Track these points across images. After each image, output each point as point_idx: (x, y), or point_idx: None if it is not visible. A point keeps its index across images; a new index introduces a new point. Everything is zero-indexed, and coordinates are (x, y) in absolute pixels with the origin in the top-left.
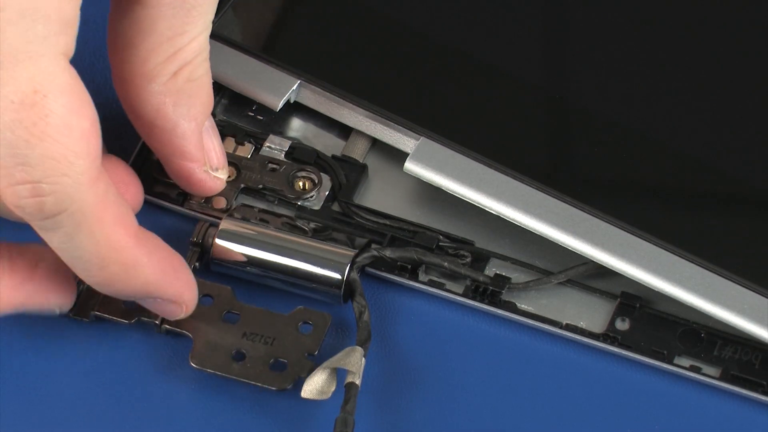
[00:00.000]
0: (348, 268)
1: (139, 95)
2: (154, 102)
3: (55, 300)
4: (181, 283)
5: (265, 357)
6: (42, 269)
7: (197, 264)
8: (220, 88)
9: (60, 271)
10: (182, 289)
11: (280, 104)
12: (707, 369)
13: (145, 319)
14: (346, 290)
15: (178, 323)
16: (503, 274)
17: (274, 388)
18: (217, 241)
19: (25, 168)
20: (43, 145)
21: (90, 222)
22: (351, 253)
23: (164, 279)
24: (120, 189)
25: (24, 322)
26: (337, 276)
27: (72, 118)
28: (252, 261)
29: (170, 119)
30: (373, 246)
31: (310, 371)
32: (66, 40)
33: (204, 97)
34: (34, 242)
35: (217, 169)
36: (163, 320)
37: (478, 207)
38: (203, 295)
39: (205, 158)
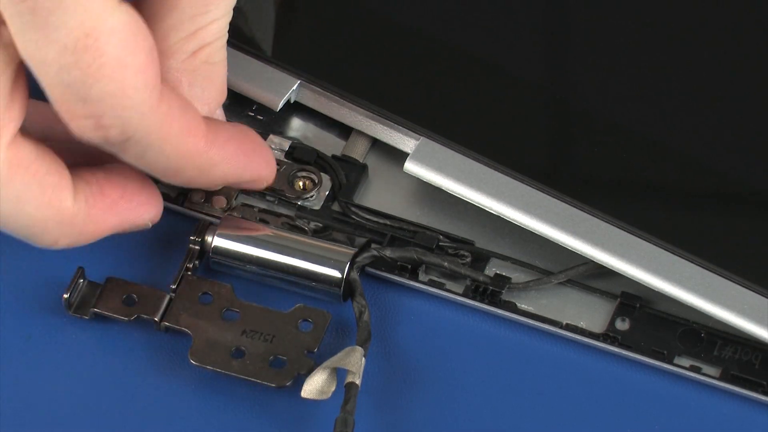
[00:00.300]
0: (348, 266)
1: None
2: (170, 79)
3: (147, 214)
4: (258, 163)
5: (265, 354)
6: (131, 187)
7: (197, 262)
8: None
9: (147, 185)
10: (259, 168)
11: (280, 104)
12: (707, 369)
13: (145, 316)
14: (346, 289)
15: (177, 321)
16: (503, 274)
17: (273, 385)
18: (217, 239)
19: (87, 105)
20: (100, 85)
21: (157, 142)
22: (351, 251)
23: (240, 167)
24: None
25: (24, 320)
26: (337, 274)
27: (126, 56)
28: (251, 259)
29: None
30: (373, 246)
31: (309, 369)
32: None
33: (218, 84)
34: (118, 164)
35: None
36: (163, 318)
37: (478, 207)
38: (202, 293)
39: None
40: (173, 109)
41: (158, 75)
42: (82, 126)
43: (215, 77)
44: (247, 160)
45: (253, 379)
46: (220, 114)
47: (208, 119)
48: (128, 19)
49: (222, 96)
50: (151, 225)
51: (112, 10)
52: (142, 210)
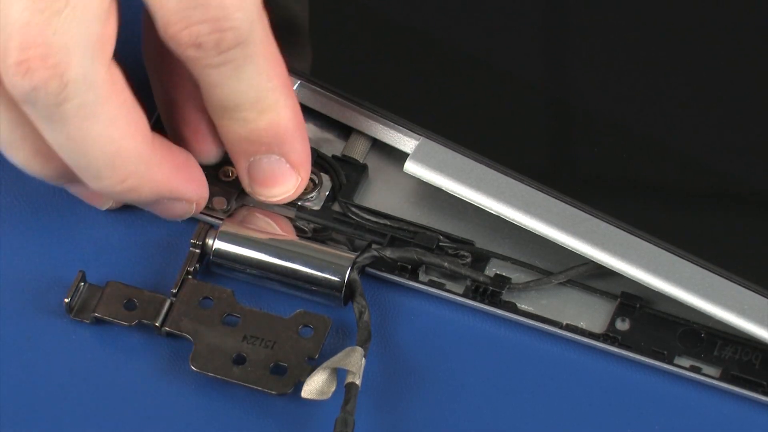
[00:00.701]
0: (348, 271)
1: None
2: None
3: (198, 191)
4: (306, 151)
5: (266, 361)
6: (192, 163)
7: (197, 265)
8: None
9: (200, 169)
10: (306, 157)
11: None
12: (707, 369)
13: (146, 321)
14: (347, 293)
15: (178, 326)
16: (503, 274)
17: (274, 393)
18: (218, 242)
19: (204, 9)
20: None
21: (259, 54)
22: (351, 256)
23: (297, 132)
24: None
25: (24, 322)
26: (338, 279)
27: None
28: (252, 263)
29: None
30: (374, 246)
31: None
32: None
33: None
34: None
35: None
36: (164, 323)
37: (478, 207)
38: (203, 297)
39: None
40: (269, 31)
41: None
42: (196, 31)
43: None
44: (305, 140)
45: (254, 387)
46: None
47: None
48: None
49: None
50: (194, 210)
51: None
52: (196, 185)
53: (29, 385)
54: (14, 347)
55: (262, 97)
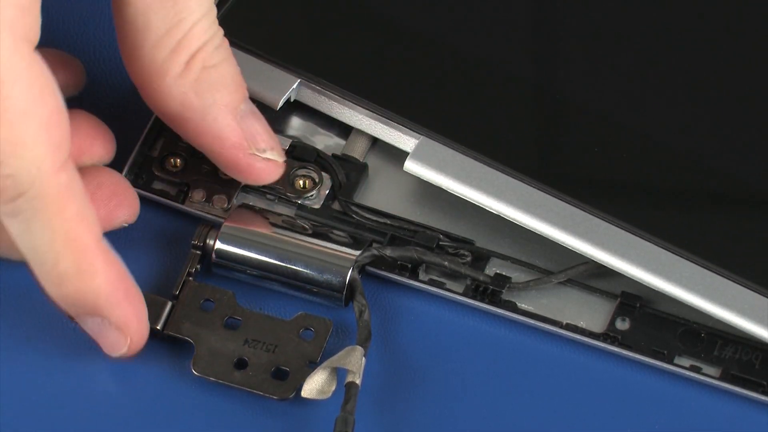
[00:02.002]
0: (350, 272)
1: (160, 93)
2: (176, 96)
3: (121, 215)
4: (132, 310)
5: (267, 365)
6: (105, 188)
7: (198, 266)
8: None
9: (122, 185)
10: (131, 317)
11: (281, 103)
12: (707, 369)
13: None
14: (348, 294)
15: (179, 330)
16: (503, 273)
17: (275, 398)
18: (219, 243)
19: None
20: (1, 130)
21: (49, 211)
22: (353, 256)
23: (115, 296)
24: (87, 142)
25: (24, 325)
26: (339, 281)
27: (30, 106)
28: (253, 264)
29: (197, 109)
30: (374, 245)
31: None
32: (25, 25)
33: (229, 83)
34: (92, 166)
35: (265, 150)
36: (165, 326)
37: (478, 206)
38: (204, 300)
39: (247, 141)
40: (75, 189)
41: (64, 138)
42: None
43: (222, 79)
44: (125, 296)
45: (255, 392)
46: (247, 109)
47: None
48: (38, 69)
49: (238, 93)
50: (126, 225)
51: (21, 56)
52: (116, 210)
53: (28, 387)
54: (14, 348)
55: (61, 260)
